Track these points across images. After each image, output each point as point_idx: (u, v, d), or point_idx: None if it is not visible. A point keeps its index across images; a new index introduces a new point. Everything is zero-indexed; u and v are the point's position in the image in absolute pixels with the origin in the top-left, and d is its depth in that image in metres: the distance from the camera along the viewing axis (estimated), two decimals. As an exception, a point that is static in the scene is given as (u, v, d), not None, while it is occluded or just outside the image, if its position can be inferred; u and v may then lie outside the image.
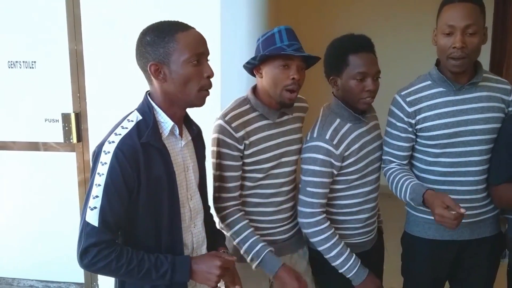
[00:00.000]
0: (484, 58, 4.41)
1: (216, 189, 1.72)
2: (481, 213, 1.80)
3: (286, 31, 1.68)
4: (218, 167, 1.69)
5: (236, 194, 1.72)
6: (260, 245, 1.68)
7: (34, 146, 2.98)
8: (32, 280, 3.16)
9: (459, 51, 1.62)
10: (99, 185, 1.29)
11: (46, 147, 2.97)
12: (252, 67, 1.72)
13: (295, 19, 4.66)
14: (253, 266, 1.69)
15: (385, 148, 1.84)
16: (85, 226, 1.30)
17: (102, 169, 1.30)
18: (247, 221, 1.72)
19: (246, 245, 1.69)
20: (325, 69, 1.79)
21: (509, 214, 1.83)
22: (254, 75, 1.77)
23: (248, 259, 1.69)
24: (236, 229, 1.70)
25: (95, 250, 1.28)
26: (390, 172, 1.80)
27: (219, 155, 1.68)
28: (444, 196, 1.56)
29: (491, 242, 1.84)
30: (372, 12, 4.76)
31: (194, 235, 1.51)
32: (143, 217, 1.37)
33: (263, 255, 1.67)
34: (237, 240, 1.70)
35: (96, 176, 1.30)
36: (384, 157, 1.85)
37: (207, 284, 1.41)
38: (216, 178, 1.71)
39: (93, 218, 1.29)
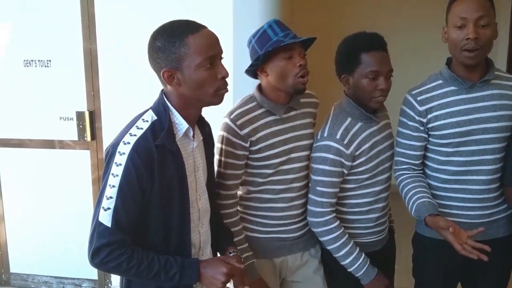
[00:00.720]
0: (502, 55, 4.36)
1: (216, 185, 1.73)
2: (494, 213, 1.78)
3: (276, 23, 1.68)
4: (220, 164, 1.71)
5: (234, 191, 1.75)
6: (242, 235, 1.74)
7: (50, 144, 3.02)
8: (47, 276, 3.20)
9: (472, 42, 1.61)
10: (113, 186, 1.29)
11: (61, 145, 3.00)
12: (255, 69, 1.72)
13: (309, 15, 4.64)
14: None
15: (397, 149, 1.82)
16: (98, 225, 1.30)
17: (117, 170, 1.30)
18: (236, 217, 1.76)
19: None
20: (337, 68, 1.77)
21: None
22: (256, 78, 1.77)
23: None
24: (238, 228, 1.75)
25: (106, 250, 1.29)
26: (400, 178, 1.80)
27: (222, 153, 1.70)
28: (445, 223, 1.56)
29: (505, 243, 1.81)
30: (386, 10, 4.71)
31: (201, 235, 1.51)
32: (154, 217, 1.37)
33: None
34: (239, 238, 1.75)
35: (110, 176, 1.30)
36: (396, 158, 1.83)
37: None
38: (217, 175, 1.72)
39: (106, 218, 1.29)
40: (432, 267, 1.87)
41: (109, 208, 1.29)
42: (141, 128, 1.34)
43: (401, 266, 2.34)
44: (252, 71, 1.75)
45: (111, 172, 1.31)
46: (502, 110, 1.70)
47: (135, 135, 1.33)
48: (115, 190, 1.29)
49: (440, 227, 1.56)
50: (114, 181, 1.30)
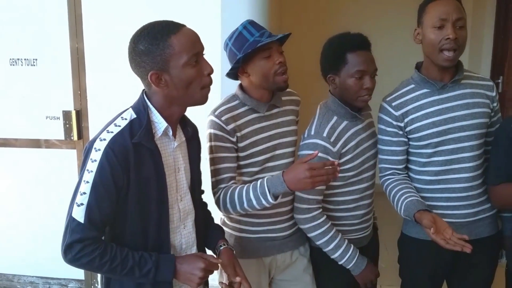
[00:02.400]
0: (486, 58, 4.42)
1: (214, 184, 1.73)
2: (479, 211, 1.81)
3: (251, 24, 1.70)
4: (213, 161, 1.71)
5: (231, 183, 1.71)
6: (258, 182, 1.59)
7: (35, 143, 2.99)
8: (33, 276, 3.18)
9: (452, 42, 1.65)
10: (88, 182, 1.29)
11: (48, 144, 2.98)
12: (236, 71, 1.74)
13: (296, 16, 4.66)
14: (272, 201, 1.55)
15: (380, 156, 1.85)
16: (71, 221, 1.30)
17: (92, 166, 1.29)
18: (239, 186, 1.66)
19: (251, 194, 1.58)
20: (322, 68, 1.79)
21: (504, 212, 1.84)
22: (237, 79, 1.79)
23: (263, 202, 1.56)
24: (237, 196, 1.62)
25: (79, 246, 1.29)
26: (386, 184, 1.82)
27: (213, 150, 1.70)
28: (427, 222, 1.56)
29: (489, 242, 1.84)
30: (372, 12, 4.76)
31: (183, 236, 1.50)
32: (132, 216, 1.36)
33: (265, 185, 1.56)
34: (245, 203, 1.60)
35: (85, 172, 1.30)
36: (380, 165, 1.86)
37: (188, 284, 1.41)
38: (213, 173, 1.72)
39: (79, 214, 1.29)
40: (418, 268, 1.89)
41: (82, 204, 1.29)
42: (119, 126, 1.34)
43: (386, 264, 2.37)
44: (233, 73, 1.77)
45: (86, 168, 1.31)
46: (475, 108, 1.74)
47: (112, 132, 1.33)
48: (89, 186, 1.29)
49: (423, 225, 1.58)
50: (88, 177, 1.29)
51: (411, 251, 1.91)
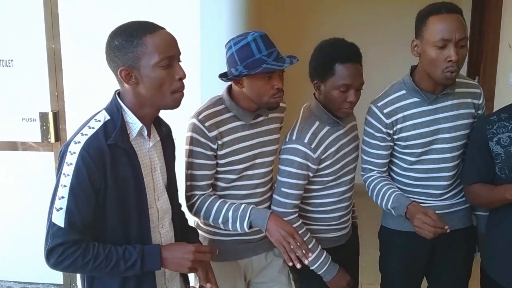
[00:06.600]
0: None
1: (188, 188, 1.70)
2: (453, 204, 1.87)
3: (262, 38, 1.60)
4: (190, 166, 1.68)
5: (208, 191, 1.71)
6: (242, 205, 1.63)
7: (12, 146, 2.93)
8: (10, 281, 3.12)
9: (454, 65, 1.61)
10: (65, 186, 1.29)
11: (24, 146, 2.92)
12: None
13: (276, 20, 4.67)
14: (246, 228, 1.61)
15: (364, 157, 1.87)
16: (51, 226, 1.29)
17: (68, 170, 1.29)
18: (221, 200, 1.68)
19: (230, 214, 1.62)
20: (310, 72, 1.78)
21: (479, 211, 1.89)
22: (229, 81, 1.72)
23: (237, 225, 1.62)
24: (215, 210, 1.65)
25: (60, 249, 1.28)
26: (370, 180, 1.85)
27: (192, 154, 1.67)
28: (429, 210, 1.61)
29: (465, 235, 1.89)
30: (352, 15, 4.80)
31: (162, 235, 1.50)
32: (111, 218, 1.36)
33: (249, 211, 1.61)
34: (220, 219, 1.64)
35: (62, 176, 1.30)
36: (363, 166, 1.88)
37: (180, 270, 1.40)
38: (188, 177, 1.69)
39: (59, 219, 1.28)
40: (396, 259, 1.93)
41: (61, 208, 1.28)
42: (93, 128, 1.34)
43: (366, 263, 2.39)
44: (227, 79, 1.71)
45: (63, 172, 1.30)
46: (459, 120, 1.77)
47: (86, 134, 1.32)
48: (66, 189, 1.29)
49: (430, 215, 1.58)
50: (65, 181, 1.29)
51: (390, 242, 1.95)
